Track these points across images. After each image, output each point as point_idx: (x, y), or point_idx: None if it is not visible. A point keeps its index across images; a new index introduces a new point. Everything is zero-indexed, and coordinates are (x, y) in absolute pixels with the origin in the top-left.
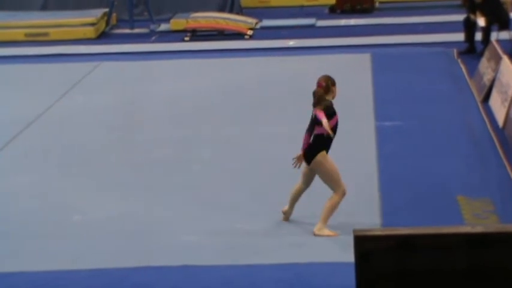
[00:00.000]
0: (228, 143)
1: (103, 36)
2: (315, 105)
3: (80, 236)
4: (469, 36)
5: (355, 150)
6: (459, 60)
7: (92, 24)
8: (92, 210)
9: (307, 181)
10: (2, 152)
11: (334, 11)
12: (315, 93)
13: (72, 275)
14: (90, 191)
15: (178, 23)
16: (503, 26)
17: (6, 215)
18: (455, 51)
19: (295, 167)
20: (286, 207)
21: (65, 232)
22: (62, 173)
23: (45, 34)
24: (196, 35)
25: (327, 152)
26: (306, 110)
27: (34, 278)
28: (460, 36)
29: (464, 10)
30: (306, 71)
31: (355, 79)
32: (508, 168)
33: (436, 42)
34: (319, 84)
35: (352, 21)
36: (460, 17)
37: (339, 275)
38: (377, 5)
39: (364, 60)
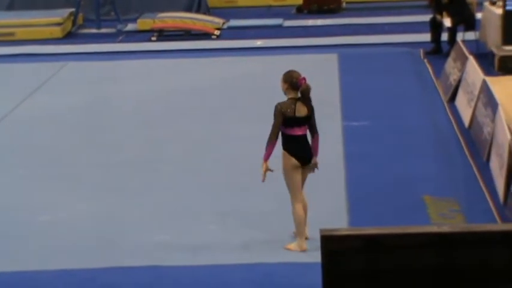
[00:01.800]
0: (196, 143)
1: (70, 36)
2: (310, 103)
3: (47, 236)
4: (435, 37)
5: (322, 150)
6: (425, 61)
7: (59, 24)
8: (59, 210)
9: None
10: None
11: (301, 11)
12: (308, 92)
13: (39, 275)
14: (57, 191)
15: (145, 22)
16: (469, 26)
17: None
18: (421, 51)
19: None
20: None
21: (32, 232)
22: (29, 174)
23: (11, 34)
24: (163, 35)
25: None
26: (272, 108)
27: (0, 279)
28: (426, 37)
29: (431, 10)
30: (273, 70)
31: (322, 79)
32: (474, 168)
33: (402, 43)
34: (305, 80)
35: (319, 22)
36: (426, 18)
37: (307, 275)
38: (344, 5)
39: (331, 60)
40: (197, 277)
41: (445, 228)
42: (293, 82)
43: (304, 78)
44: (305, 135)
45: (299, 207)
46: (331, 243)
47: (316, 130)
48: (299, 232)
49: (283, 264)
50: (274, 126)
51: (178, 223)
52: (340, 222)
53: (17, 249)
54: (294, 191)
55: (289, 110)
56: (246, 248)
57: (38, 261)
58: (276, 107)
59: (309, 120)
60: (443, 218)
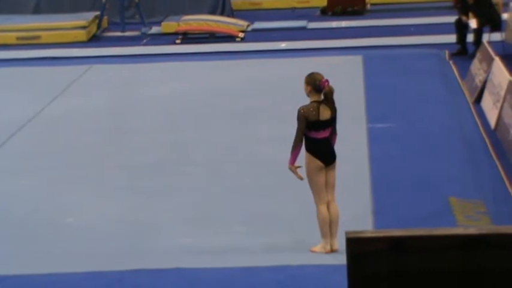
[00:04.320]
0: (222, 146)
1: (94, 39)
2: (333, 105)
3: (74, 238)
4: (461, 38)
5: (347, 152)
6: (451, 62)
7: (84, 28)
8: (87, 213)
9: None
10: None
11: (325, 13)
12: (331, 94)
13: (67, 277)
14: (84, 194)
15: (169, 25)
16: (495, 27)
17: (1, 218)
18: (447, 52)
19: None
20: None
21: (59, 235)
22: (55, 176)
23: (37, 37)
24: (187, 37)
25: None
26: (296, 112)
27: (29, 281)
28: (451, 38)
29: (456, 12)
30: (298, 72)
31: (346, 81)
32: (500, 169)
33: (427, 44)
34: (328, 82)
35: (344, 23)
36: (451, 19)
37: (331, 277)
38: (368, 7)
39: (355, 62)
40: (221, 279)
41: (472, 230)
42: (316, 84)
43: (327, 80)
44: (328, 138)
45: (323, 208)
46: (356, 246)
47: (336, 131)
48: (323, 233)
49: (308, 266)
50: (298, 131)
51: (204, 225)
52: (365, 225)
53: (45, 252)
54: (318, 192)
55: (312, 114)
56: (272, 250)
57: (66, 263)
58: (299, 111)
59: (332, 123)
60: (470, 220)
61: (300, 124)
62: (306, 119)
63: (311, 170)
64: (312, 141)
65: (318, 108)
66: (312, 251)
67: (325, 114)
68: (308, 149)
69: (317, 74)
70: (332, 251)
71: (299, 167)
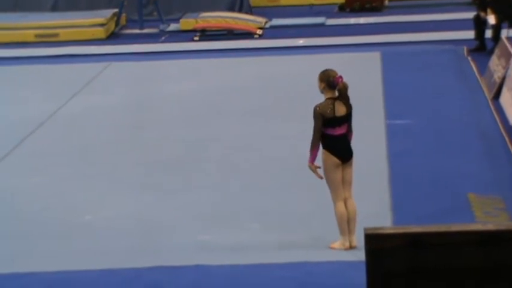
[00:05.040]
0: (239, 143)
1: (113, 37)
2: (348, 101)
3: (91, 236)
4: (479, 34)
5: (365, 149)
6: (469, 58)
7: (102, 25)
8: (103, 210)
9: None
10: (13, 152)
11: (343, 9)
12: (346, 90)
13: (84, 275)
14: (101, 191)
15: (187, 22)
16: None
17: (17, 215)
18: (465, 49)
19: None
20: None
21: (77, 232)
22: (73, 173)
23: (55, 35)
24: (205, 34)
25: None
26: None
27: (46, 279)
28: (470, 34)
29: (474, 8)
30: (316, 69)
31: (365, 77)
32: None
33: (446, 40)
34: (342, 79)
35: (362, 20)
36: (470, 15)
37: (349, 273)
38: (386, 3)
39: (374, 58)
40: (238, 276)
41: (490, 227)
42: (330, 81)
43: (340, 77)
44: (345, 134)
45: (340, 205)
46: (375, 242)
47: (351, 129)
48: (341, 230)
49: (325, 263)
50: (315, 129)
51: (219, 222)
52: (384, 221)
53: (61, 249)
54: (335, 189)
55: (328, 111)
56: (288, 247)
57: (82, 261)
58: (315, 109)
59: (348, 119)
60: (488, 216)
61: (317, 122)
62: (322, 117)
63: (328, 167)
64: (328, 138)
65: (333, 105)
66: (331, 248)
67: (340, 110)
68: (325, 146)
69: (331, 70)
70: (351, 247)
71: (319, 167)
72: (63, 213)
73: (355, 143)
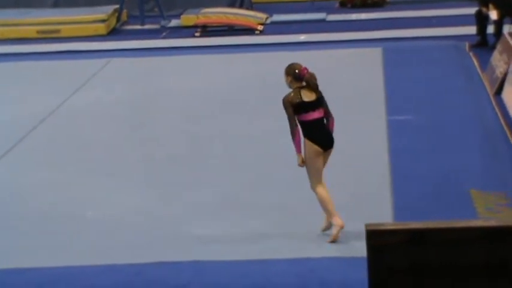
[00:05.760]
0: (240, 138)
1: (114, 33)
2: (316, 88)
3: (93, 231)
4: (481, 29)
5: (366, 145)
6: (471, 54)
7: (103, 21)
8: (104, 206)
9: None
10: (16, 148)
11: (344, 5)
12: (313, 80)
13: (85, 270)
14: (103, 187)
15: (188, 18)
16: None
17: (20, 211)
18: (467, 44)
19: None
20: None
21: (79, 228)
22: (75, 169)
23: (57, 31)
24: (206, 30)
25: None
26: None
27: (49, 274)
28: (472, 30)
29: (476, 3)
30: (317, 65)
31: (366, 73)
32: None
33: (447, 36)
34: (307, 70)
35: (363, 16)
36: (471, 10)
37: (351, 269)
38: None
39: (375, 54)
40: (240, 272)
41: (492, 223)
42: (296, 74)
43: (306, 68)
44: (321, 119)
45: (321, 189)
46: (376, 238)
47: (331, 114)
48: (329, 212)
49: (327, 258)
50: (288, 118)
51: (222, 218)
52: (385, 217)
53: (64, 245)
54: (317, 176)
55: (295, 98)
56: (291, 242)
57: (84, 257)
58: (283, 100)
59: (321, 104)
60: (490, 212)
61: (288, 110)
62: (291, 104)
63: (310, 155)
64: (305, 124)
65: (300, 92)
66: (333, 239)
67: (308, 96)
68: (305, 135)
69: (295, 64)
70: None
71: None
72: (67, 209)
73: (356, 139)
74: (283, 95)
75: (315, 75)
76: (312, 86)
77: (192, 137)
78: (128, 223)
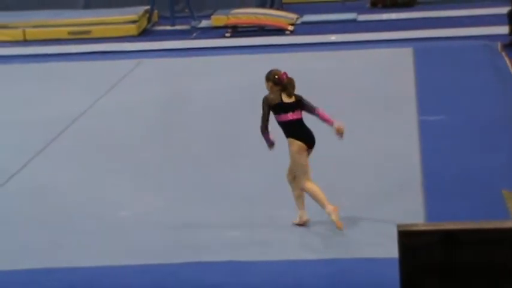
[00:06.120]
0: None
1: (145, 34)
2: (293, 92)
3: (126, 232)
4: None
5: (398, 145)
6: (503, 54)
7: (134, 22)
8: (137, 206)
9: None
10: (48, 148)
11: (375, 5)
12: (291, 84)
13: (119, 271)
14: (135, 187)
15: (219, 19)
16: None
17: (53, 211)
18: (499, 44)
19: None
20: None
21: (112, 228)
22: (107, 169)
23: (88, 32)
24: (237, 31)
25: None
26: (348, 104)
27: (81, 274)
28: (504, 29)
29: (509, 2)
30: (348, 65)
31: (397, 73)
32: None
33: (479, 36)
34: (287, 75)
35: (394, 16)
36: (504, 10)
37: (382, 270)
38: None
39: (406, 54)
40: (272, 272)
41: None
42: (275, 79)
43: (285, 73)
44: (300, 120)
45: (309, 184)
46: (408, 239)
47: (315, 107)
48: (322, 201)
49: (358, 259)
50: (262, 115)
51: (252, 218)
52: (417, 218)
53: (97, 244)
54: (304, 171)
55: (275, 99)
56: (321, 243)
57: (118, 257)
58: (263, 99)
59: (301, 106)
60: None
61: (263, 108)
62: (269, 104)
63: (296, 152)
64: (285, 125)
65: (280, 95)
66: (338, 224)
67: (287, 98)
68: (288, 135)
69: (275, 69)
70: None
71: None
72: (99, 209)
73: (388, 140)
74: (312, 96)
75: (294, 81)
76: (290, 91)
77: (222, 137)
78: (160, 224)
